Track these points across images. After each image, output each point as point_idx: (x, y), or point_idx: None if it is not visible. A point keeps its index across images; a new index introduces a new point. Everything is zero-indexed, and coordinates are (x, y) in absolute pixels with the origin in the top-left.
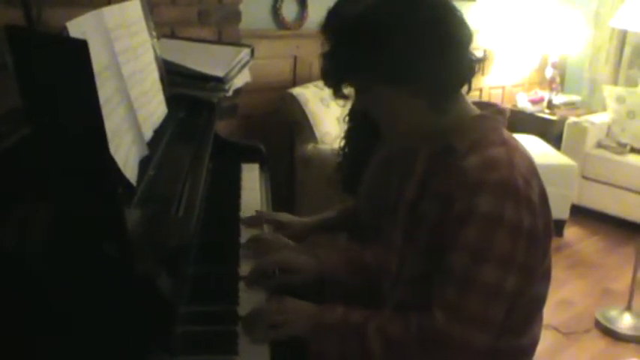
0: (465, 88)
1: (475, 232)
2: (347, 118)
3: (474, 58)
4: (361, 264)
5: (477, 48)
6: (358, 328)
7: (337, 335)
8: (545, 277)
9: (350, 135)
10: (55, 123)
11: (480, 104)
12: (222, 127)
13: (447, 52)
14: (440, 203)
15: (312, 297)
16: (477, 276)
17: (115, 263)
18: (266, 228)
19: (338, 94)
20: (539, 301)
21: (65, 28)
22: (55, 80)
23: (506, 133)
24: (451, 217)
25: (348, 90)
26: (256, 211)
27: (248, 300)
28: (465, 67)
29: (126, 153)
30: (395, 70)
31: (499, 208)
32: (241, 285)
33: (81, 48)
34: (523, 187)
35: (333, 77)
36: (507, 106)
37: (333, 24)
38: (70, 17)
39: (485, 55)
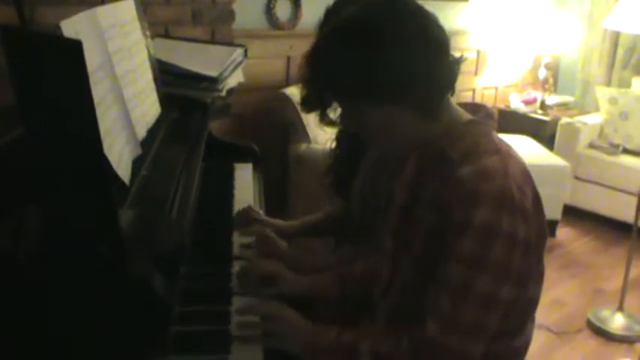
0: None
1: (471, 244)
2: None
3: (453, 60)
4: (351, 278)
5: (470, 49)
6: (350, 348)
7: (330, 356)
8: (539, 280)
9: (341, 137)
10: (49, 122)
11: (468, 106)
12: (216, 126)
13: (434, 59)
14: (436, 212)
15: (303, 312)
16: (472, 286)
17: (109, 263)
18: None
19: (324, 118)
20: (533, 304)
21: (59, 28)
22: (49, 80)
23: (497, 138)
24: (448, 227)
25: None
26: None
27: (240, 300)
28: (449, 70)
29: (119, 152)
30: (386, 82)
31: (495, 219)
32: (234, 286)
33: (75, 48)
34: (518, 197)
35: (322, 95)
36: (500, 106)
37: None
38: (63, 16)
39: (463, 57)
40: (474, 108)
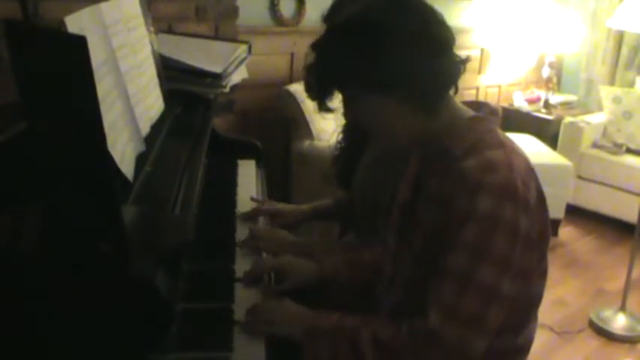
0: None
1: (473, 233)
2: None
3: (458, 59)
4: (361, 264)
5: (474, 47)
6: (351, 334)
7: (330, 340)
8: (542, 278)
9: (347, 129)
10: (53, 118)
11: (472, 104)
12: (219, 123)
13: (435, 56)
14: (438, 206)
15: (312, 299)
16: (474, 276)
17: (112, 261)
18: (262, 220)
19: (322, 106)
20: (535, 301)
21: (63, 23)
22: (53, 75)
23: (502, 134)
24: (450, 219)
25: (332, 102)
26: (251, 197)
27: (243, 297)
28: (452, 68)
29: (123, 149)
30: (385, 77)
31: (498, 209)
32: (237, 282)
33: (80, 44)
34: (522, 190)
35: (322, 85)
36: (504, 105)
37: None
38: (67, 11)
39: (469, 57)
40: (477, 105)
